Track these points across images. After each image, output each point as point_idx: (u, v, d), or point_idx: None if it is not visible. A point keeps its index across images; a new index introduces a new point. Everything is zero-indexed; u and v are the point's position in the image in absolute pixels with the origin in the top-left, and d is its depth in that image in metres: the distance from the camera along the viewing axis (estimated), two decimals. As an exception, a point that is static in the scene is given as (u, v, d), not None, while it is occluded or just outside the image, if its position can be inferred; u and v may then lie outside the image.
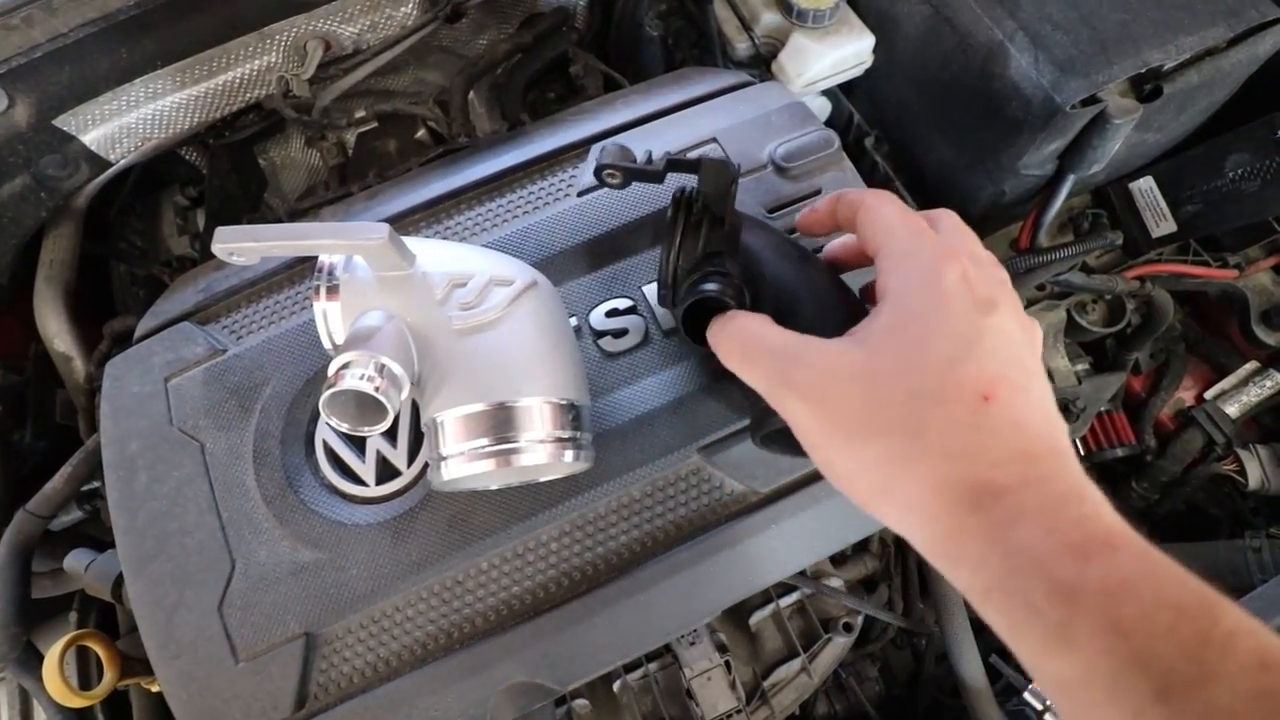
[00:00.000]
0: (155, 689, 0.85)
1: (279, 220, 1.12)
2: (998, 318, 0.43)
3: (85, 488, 0.93)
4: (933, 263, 0.44)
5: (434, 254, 0.58)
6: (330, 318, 0.56)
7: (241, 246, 0.52)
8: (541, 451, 0.54)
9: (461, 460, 0.54)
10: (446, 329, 0.55)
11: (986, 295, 0.44)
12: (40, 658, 0.84)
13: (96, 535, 1.05)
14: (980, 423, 0.40)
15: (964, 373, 0.41)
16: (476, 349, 0.55)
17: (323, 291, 0.56)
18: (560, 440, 0.55)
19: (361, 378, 0.50)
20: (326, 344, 0.58)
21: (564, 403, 0.56)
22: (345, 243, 0.52)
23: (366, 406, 0.52)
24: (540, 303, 0.58)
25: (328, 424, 0.70)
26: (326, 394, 0.51)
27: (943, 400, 0.40)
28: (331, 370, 0.51)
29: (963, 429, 0.40)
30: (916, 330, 0.43)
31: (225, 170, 1.26)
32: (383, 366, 0.51)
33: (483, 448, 0.54)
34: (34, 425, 1.03)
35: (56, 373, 1.09)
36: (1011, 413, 0.40)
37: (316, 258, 0.75)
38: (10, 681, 0.99)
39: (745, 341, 0.51)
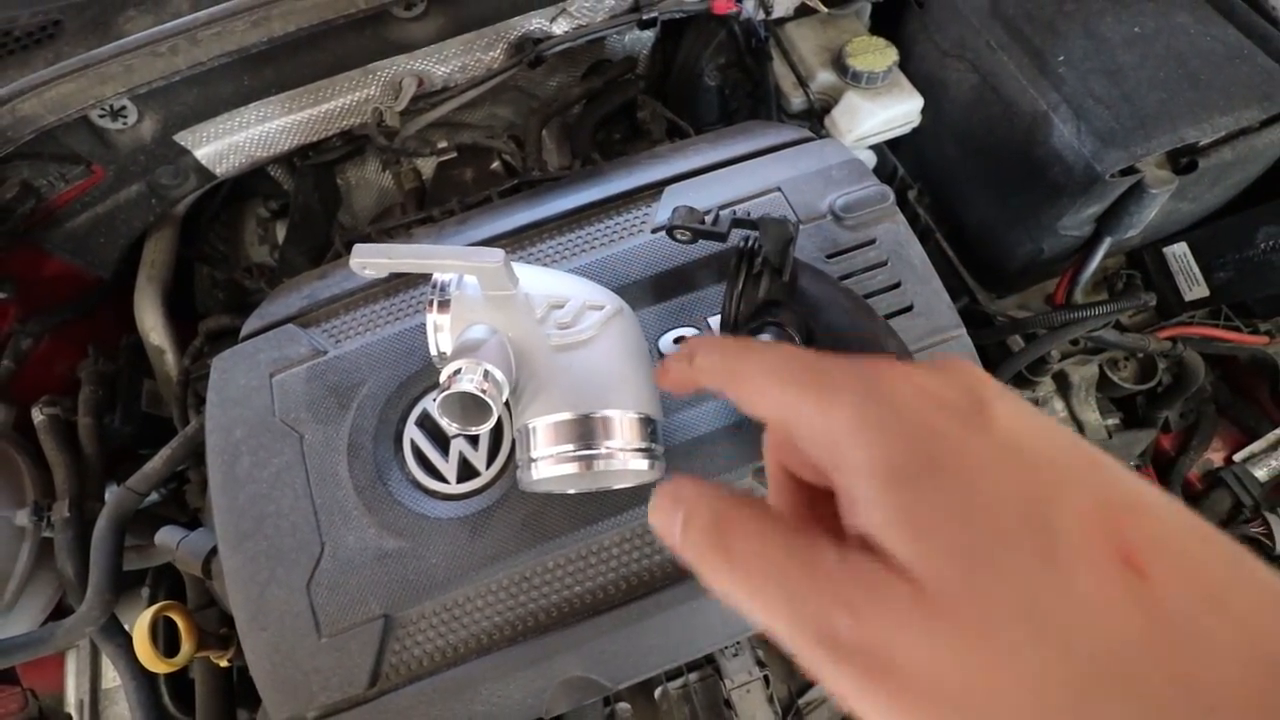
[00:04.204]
0: (224, 663, 0.90)
1: (358, 238, 1.21)
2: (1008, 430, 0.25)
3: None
4: (907, 421, 0.25)
5: (534, 277, 0.65)
6: (440, 328, 0.63)
7: (376, 262, 0.59)
8: (622, 459, 0.60)
9: (550, 462, 0.60)
10: (544, 345, 0.62)
11: (965, 403, 0.25)
12: (120, 626, 0.91)
13: (168, 516, 1.12)
14: (1151, 615, 0.21)
15: (1071, 526, 0.22)
16: (570, 364, 0.61)
17: (435, 305, 0.63)
18: (639, 450, 0.61)
19: (471, 382, 0.57)
20: (433, 351, 0.65)
21: (644, 416, 0.62)
22: (466, 264, 0.59)
23: (473, 408, 0.58)
24: (626, 326, 0.65)
25: (418, 426, 0.77)
26: (441, 396, 0.57)
27: (1066, 592, 0.21)
28: (444, 376, 0.58)
29: (1130, 645, 0.21)
30: (951, 502, 0.23)
31: (309, 188, 1.36)
32: (488, 373, 0.58)
33: (570, 452, 0.60)
34: (122, 410, 1.11)
35: (145, 364, 1.18)
36: (1181, 568, 0.22)
37: (408, 275, 0.83)
38: (80, 649, 1.05)
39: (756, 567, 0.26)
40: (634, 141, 1.31)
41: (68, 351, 1.11)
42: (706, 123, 1.40)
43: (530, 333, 0.62)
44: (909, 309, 0.79)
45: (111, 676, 1.04)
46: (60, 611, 1.03)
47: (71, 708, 1.04)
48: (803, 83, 1.20)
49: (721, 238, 0.68)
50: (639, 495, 0.72)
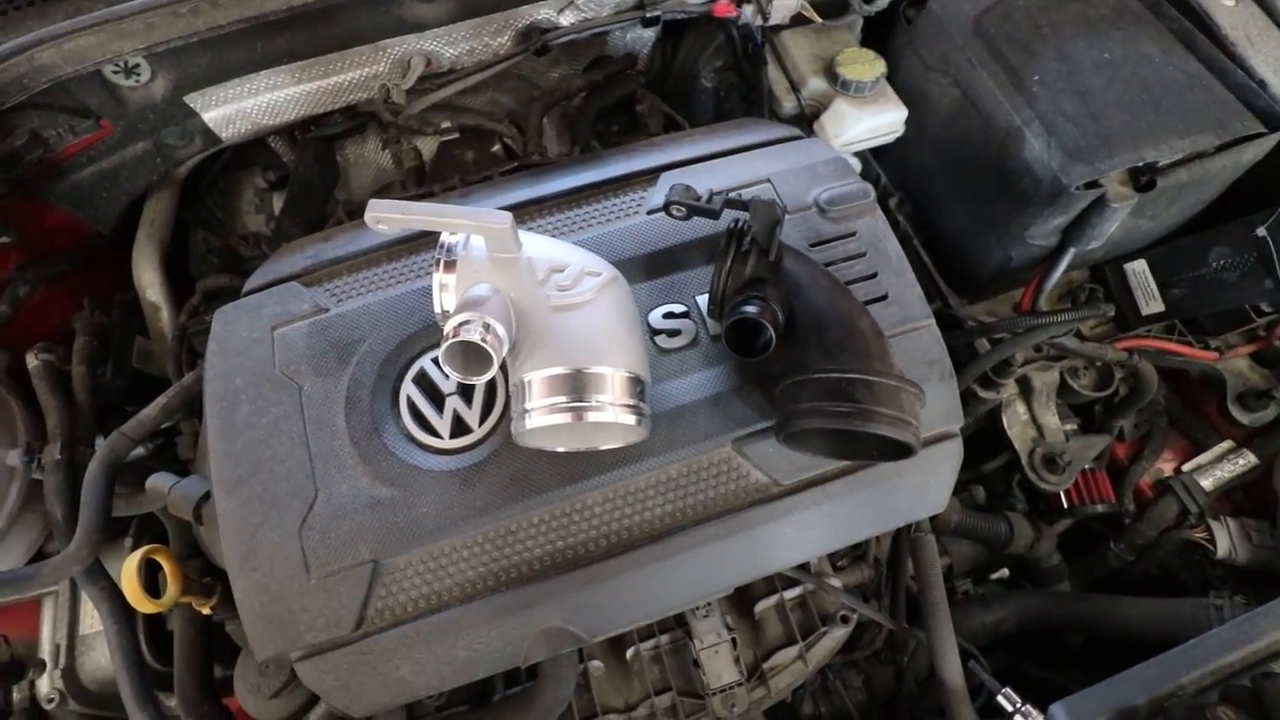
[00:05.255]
0: (206, 610, 0.92)
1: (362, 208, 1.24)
2: None
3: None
4: None
5: (537, 243, 0.69)
6: (445, 287, 0.67)
7: (389, 218, 0.63)
8: (611, 413, 0.64)
9: (543, 413, 0.64)
10: (544, 305, 0.66)
11: None
12: (104, 570, 0.92)
13: (154, 468, 1.13)
14: None
15: None
16: (567, 324, 0.65)
17: (442, 264, 0.67)
18: (627, 406, 0.65)
19: (474, 333, 0.61)
20: (437, 309, 0.68)
21: (633, 376, 0.66)
22: (475, 224, 0.63)
23: (473, 358, 0.62)
24: (620, 293, 0.69)
25: (415, 383, 0.80)
26: (445, 345, 0.61)
27: None
28: (448, 328, 0.62)
29: None
30: None
31: (309, 161, 1.38)
32: (490, 325, 0.62)
33: (562, 404, 0.64)
34: (114, 363, 1.13)
35: (138, 321, 1.20)
36: None
37: (410, 242, 0.87)
38: (59, 596, 1.06)
39: None
40: (631, 134, 1.36)
41: (63, 302, 1.12)
42: (701, 121, 1.45)
43: (531, 293, 0.66)
44: (883, 298, 0.84)
45: (89, 624, 1.05)
46: (42, 558, 1.04)
47: (46, 654, 1.04)
48: (795, 88, 1.25)
49: (714, 215, 0.73)
50: (622, 458, 0.76)
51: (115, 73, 0.99)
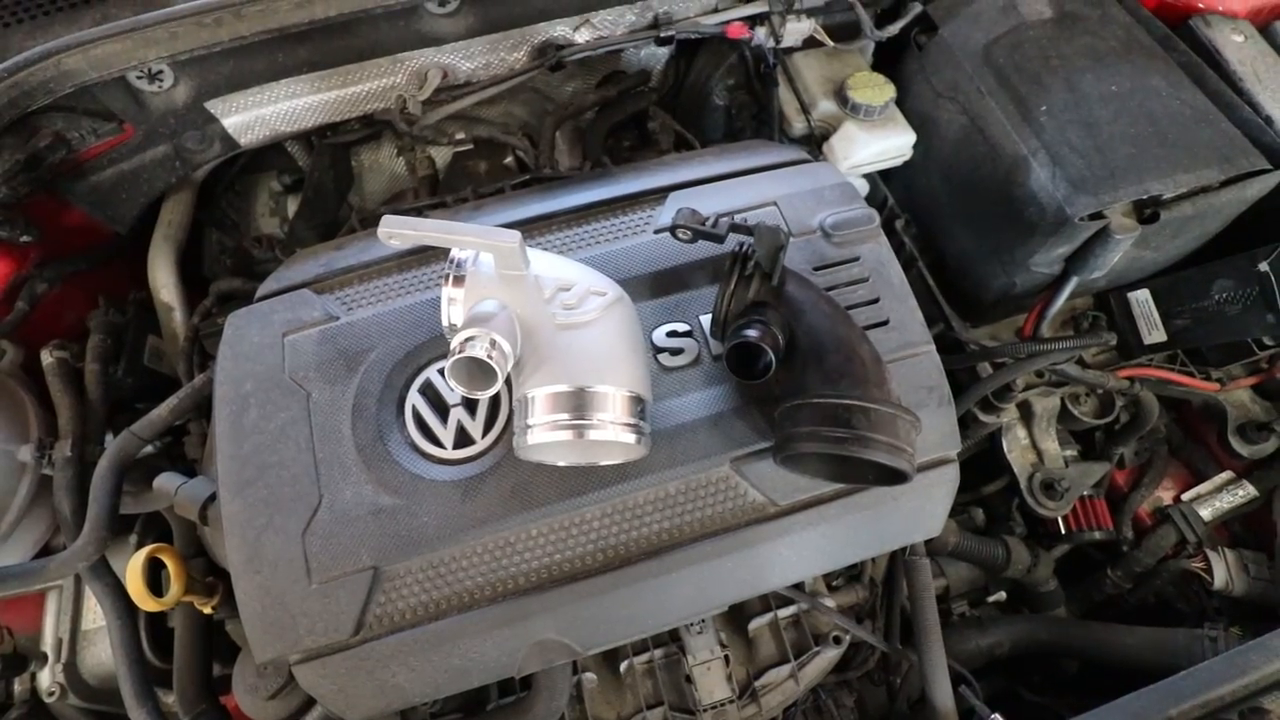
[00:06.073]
0: (208, 610, 0.94)
1: (376, 217, 1.26)
2: None
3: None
4: None
5: (545, 261, 0.71)
6: (454, 301, 0.69)
7: (402, 233, 0.64)
8: (612, 431, 0.65)
9: (545, 429, 0.65)
10: (549, 323, 0.67)
11: None
12: (109, 567, 0.94)
13: (161, 467, 1.15)
14: None
15: None
16: (571, 342, 0.67)
17: (451, 279, 0.68)
18: (628, 425, 0.66)
19: (480, 349, 0.62)
20: (445, 322, 0.70)
21: (635, 395, 0.67)
22: (484, 242, 0.64)
23: (479, 373, 0.63)
24: (625, 313, 0.71)
25: (420, 394, 0.82)
26: (451, 360, 0.62)
27: None
28: (455, 343, 0.63)
29: None
30: None
31: (325, 167, 1.40)
32: (495, 342, 0.63)
33: (564, 421, 0.65)
34: (126, 362, 1.14)
35: (151, 320, 1.21)
36: None
37: (421, 253, 0.88)
38: (63, 591, 1.07)
39: None
40: (642, 150, 1.38)
41: (78, 301, 1.14)
42: (712, 139, 1.47)
43: (537, 311, 0.68)
44: (885, 323, 0.85)
45: (92, 619, 1.07)
46: (48, 554, 1.05)
47: (48, 647, 1.06)
48: (805, 110, 1.27)
49: (719, 239, 0.74)
50: (622, 474, 0.77)
51: (139, 78, 1.01)
